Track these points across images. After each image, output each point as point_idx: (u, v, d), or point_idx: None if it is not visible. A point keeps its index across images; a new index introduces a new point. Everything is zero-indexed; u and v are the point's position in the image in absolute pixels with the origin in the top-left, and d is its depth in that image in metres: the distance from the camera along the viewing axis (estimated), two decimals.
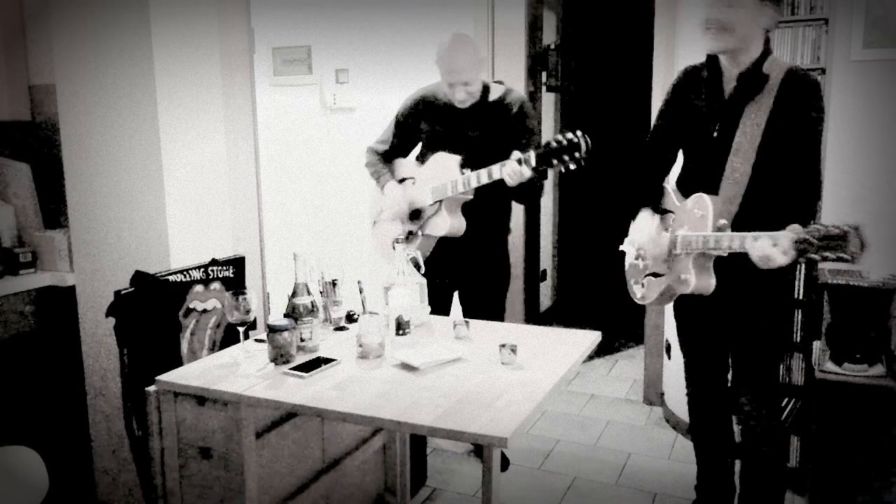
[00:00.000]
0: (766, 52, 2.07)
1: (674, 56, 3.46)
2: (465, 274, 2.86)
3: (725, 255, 2.01)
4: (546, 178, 2.75)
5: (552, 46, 4.85)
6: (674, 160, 2.36)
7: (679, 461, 3.11)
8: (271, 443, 1.94)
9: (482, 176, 2.58)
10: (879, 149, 2.89)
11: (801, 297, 2.82)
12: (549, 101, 4.97)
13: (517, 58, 3.92)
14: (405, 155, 2.99)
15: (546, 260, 5.12)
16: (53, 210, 2.81)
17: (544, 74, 4.69)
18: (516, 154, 2.44)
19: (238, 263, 2.47)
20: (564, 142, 2.30)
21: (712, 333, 2.34)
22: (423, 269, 2.30)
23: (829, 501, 2.61)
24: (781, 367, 2.90)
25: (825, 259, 1.75)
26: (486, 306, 2.74)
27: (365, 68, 4.02)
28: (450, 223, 2.73)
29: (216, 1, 2.62)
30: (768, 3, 2.02)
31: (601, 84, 5.41)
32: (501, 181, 2.52)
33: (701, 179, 2.13)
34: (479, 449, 3.05)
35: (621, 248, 2.38)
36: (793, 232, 1.80)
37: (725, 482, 2.48)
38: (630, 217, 2.33)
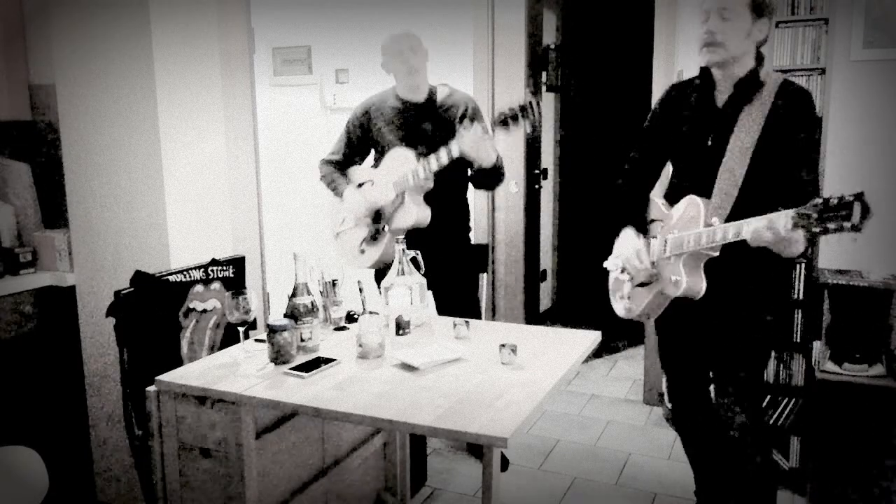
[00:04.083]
0: (760, 63, 2.09)
1: (674, 56, 3.47)
2: (433, 269, 2.84)
3: (717, 254, 2.01)
4: (502, 164, 2.77)
5: (552, 46, 4.85)
6: (659, 173, 2.38)
7: (679, 461, 3.10)
8: (271, 443, 1.94)
9: (441, 156, 2.59)
10: (879, 149, 2.89)
11: (800, 297, 2.83)
12: (549, 101, 4.98)
13: (517, 58, 3.92)
14: (359, 163, 3.01)
15: (546, 260, 5.12)
16: (53, 210, 2.81)
17: (544, 74, 4.69)
18: (467, 123, 2.51)
19: (238, 263, 2.47)
20: (517, 108, 2.43)
21: (694, 347, 2.31)
22: (423, 269, 2.30)
23: (829, 501, 2.62)
24: (781, 367, 2.91)
25: (826, 231, 1.72)
26: (458, 302, 2.73)
27: (365, 68, 4.02)
28: (416, 213, 2.73)
29: (216, 1, 2.62)
30: (764, 18, 2.05)
31: (601, 84, 5.41)
32: (458, 169, 2.60)
33: (693, 188, 2.13)
34: (479, 449, 3.05)
35: (605, 264, 2.37)
36: (788, 211, 1.79)
37: (723, 487, 2.47)
38: (614, 234, 2.34)
